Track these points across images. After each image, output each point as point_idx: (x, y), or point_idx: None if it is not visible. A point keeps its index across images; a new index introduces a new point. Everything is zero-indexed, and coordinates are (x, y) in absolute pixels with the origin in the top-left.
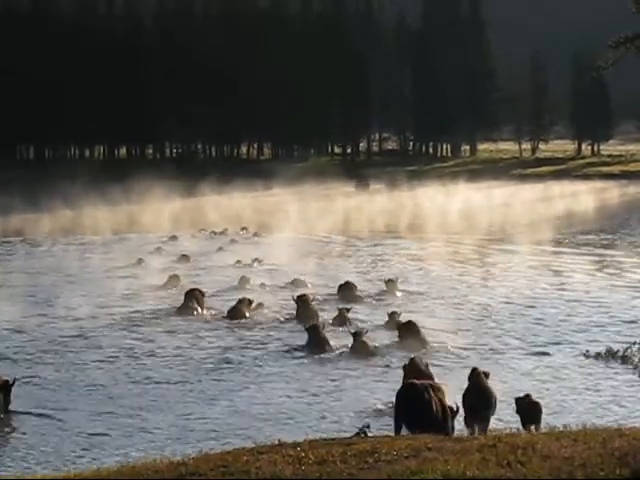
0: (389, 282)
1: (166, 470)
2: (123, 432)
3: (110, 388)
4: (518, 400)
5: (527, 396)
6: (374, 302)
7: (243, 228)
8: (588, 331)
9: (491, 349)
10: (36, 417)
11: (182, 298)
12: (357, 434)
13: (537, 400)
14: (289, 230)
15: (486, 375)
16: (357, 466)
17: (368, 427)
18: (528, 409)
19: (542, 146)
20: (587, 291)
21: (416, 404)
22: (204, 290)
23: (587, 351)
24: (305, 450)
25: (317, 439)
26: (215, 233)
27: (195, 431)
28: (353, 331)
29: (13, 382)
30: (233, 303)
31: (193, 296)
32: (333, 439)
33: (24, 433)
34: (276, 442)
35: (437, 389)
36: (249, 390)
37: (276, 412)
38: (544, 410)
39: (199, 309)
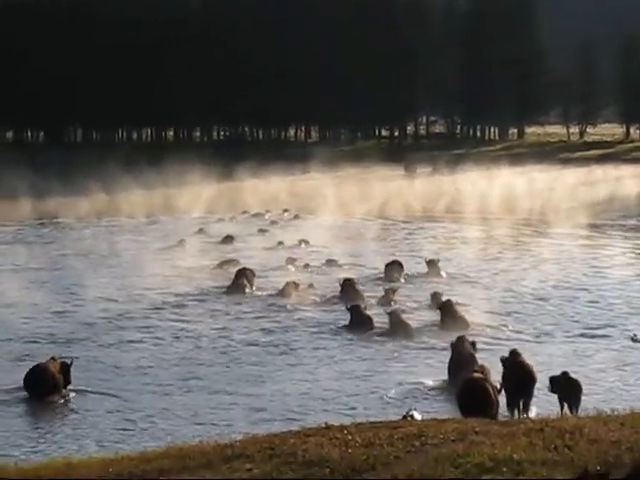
0: (431, 263)
1: (213, 452)
2: (171, 414)
3: (157, 369)
4: (553, 378)
5: (564, 373)
6: (417, 283)
7: (285, 210)
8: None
9: (539, 331)
10: (92, 396)
11: (232, 277)
12: (404, 417)
13: (575, 377)
14: (331, 212)
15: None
16: (404, 449)
17: (415, 410)
18: (565, 386)
19: (590, 130)
20: (637, 275)
21: (480, 401)
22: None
23: (635, 335)
24: (352, 433)
25: (364, 422)
26: (257, 215)
27: (242, 413)
28: (389, 311)
29: (71, 363)
30: (280, 283)
31: (244, 275)
32: (380, 422)
33: (87, 410)
34: (323, 425)
35: (488, 372)
36: (294, 371)
37: (320, 393)
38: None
39: (249, 288)
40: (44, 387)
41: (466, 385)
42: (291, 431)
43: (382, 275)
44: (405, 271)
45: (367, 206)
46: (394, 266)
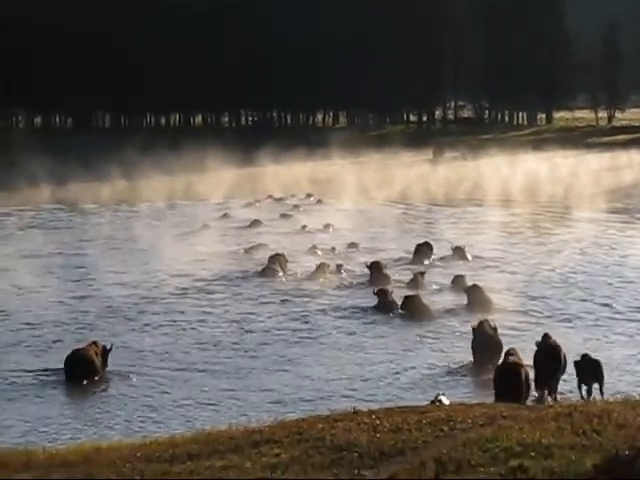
0: (457, 249)
1: (241, 437)
2: (195, 399)
3: (183, 354)
4: (577, 362)
5: (585, 355)
6: (444, 266)
7: (308, 195)
8: None
9: (567, 315)
10: (127, 380)
11: (264, 262)
12: (432, 402)
13: (597, 358)
14: (354, 198)
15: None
16: (432, 434)
17: (443, 395)
18: (587, 367)
19: (618, 114)
20: None
21: (516, 386)
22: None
23: None
24: (380, 418)
25: (392, 407)
26: (280, 199)
27: (267, 397)
28: (406, 295)
29: (111, 348)
30: (309, 267)
31: (276, 260)
32: (408, 407)
33: (123, 394)
34: (351, 410)
35: (518, 355)
36: (321, 356)
37: (346, 376)
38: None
39: (282, 272)
40: (82, 371)
41: (505, 369)
42: (319, 416)
43: (409, 258)
44: (434, 254)
45: (391, 191)
46: (423, 248)
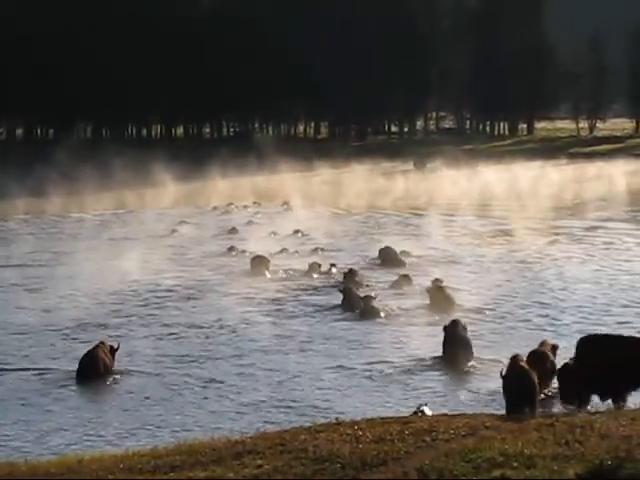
0: (403, 253)
1: (224, 448)
2: (176, 408)
3: (162, 362)
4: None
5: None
6: (416, 268)
7: (284, 203)
8: None
9: (518, 319)
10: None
11: (246, 265)
12: (414, 413)
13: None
14: (328, 205)
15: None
16: (415, 444)
17: (426, 405)
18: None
19: (600, 125)
20: None
21: (529, 391)
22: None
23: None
24: (362, 428)
25: (374, 417)
26: (257, 206)
27: (248, 406)
28: (363, 295)
29: (118, 347)
30: (285, 269)
31: (259, 262)
32: (391, 417)
33: (130, 392)
34: (333, 421)
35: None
36: (297, 362)
37: (316, 374)
38: None
39: (263, 274)
40: (94, 374)
41: (518, 374)
42: (302, 427)
43: (370, 261)
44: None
45: (368, 200)
46: (383, 252)
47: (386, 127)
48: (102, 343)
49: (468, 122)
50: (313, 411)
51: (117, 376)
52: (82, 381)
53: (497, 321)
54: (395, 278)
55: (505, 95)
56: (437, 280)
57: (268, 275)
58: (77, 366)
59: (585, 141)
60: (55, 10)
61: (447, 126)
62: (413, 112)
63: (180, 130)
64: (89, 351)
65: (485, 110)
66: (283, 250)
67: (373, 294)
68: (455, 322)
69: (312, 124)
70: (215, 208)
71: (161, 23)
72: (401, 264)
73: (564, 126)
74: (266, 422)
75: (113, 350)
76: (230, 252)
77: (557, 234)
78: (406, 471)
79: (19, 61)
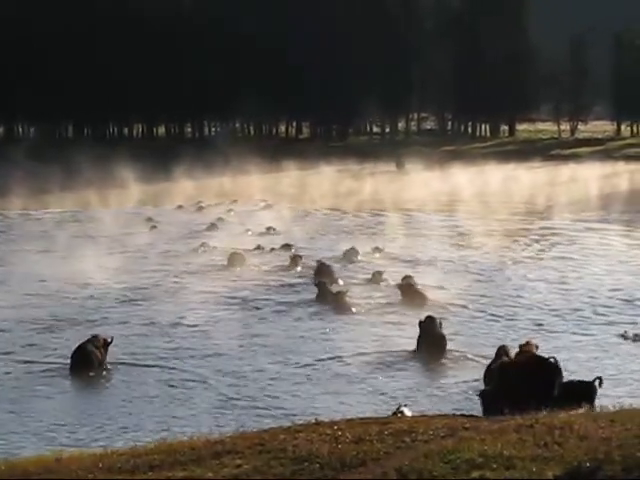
0: (376, 249)
1: (203, 447)
2: (153, 406)
3: (139, 362)
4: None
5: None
6: (368, 265)
7: (262, 201)
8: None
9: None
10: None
11: (224, 261)
12: (394, 413)
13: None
14: (303, 204)
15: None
16: (394, 445)
17: (405, 406)
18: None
19: (581, 127)
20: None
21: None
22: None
23: (625, 332)
24: (342, 429)
25: (354, 418)
26: (234, 204)
27: (226, 405)
28: (336, 291)
29: (111, 340)
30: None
31: (235, 258)
32: (370, 418)
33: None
34: (313, 421)
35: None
36: (272, 360)
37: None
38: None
39: (237, 270)
40: (88, 367)
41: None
42: (281, 427)
43: (341, 257)
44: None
45: (347, 199)
46: (351, 250)
47: (368, 128)
48: (95, 336)
49: (450, 123)
50: (289, 411)
51: (107, 369)
52: (72, 375)
53: (467, 317)
54: (366, 276)
55: (487, 96)
56: (408, 277)
57: (243, 271)
58: (69, 359)
59: (566, 143)
60: (49, 9)
61: (429, 127)
62: (395, 113)
63: (162, 130)
64: (78, 347)
65: (467, 111)
66: (257, 247)
67: (345, 289)
68: (431, 318)
69: (294, 124)
70: (181, 207)
71: (144, 23)
72: (370, 263)
73: (546, 128)
74: (244, 422)
75: (107, 344)
76: (201, 248)
77: (524, 236)
78: (385, 471)
79: (1, 60)
